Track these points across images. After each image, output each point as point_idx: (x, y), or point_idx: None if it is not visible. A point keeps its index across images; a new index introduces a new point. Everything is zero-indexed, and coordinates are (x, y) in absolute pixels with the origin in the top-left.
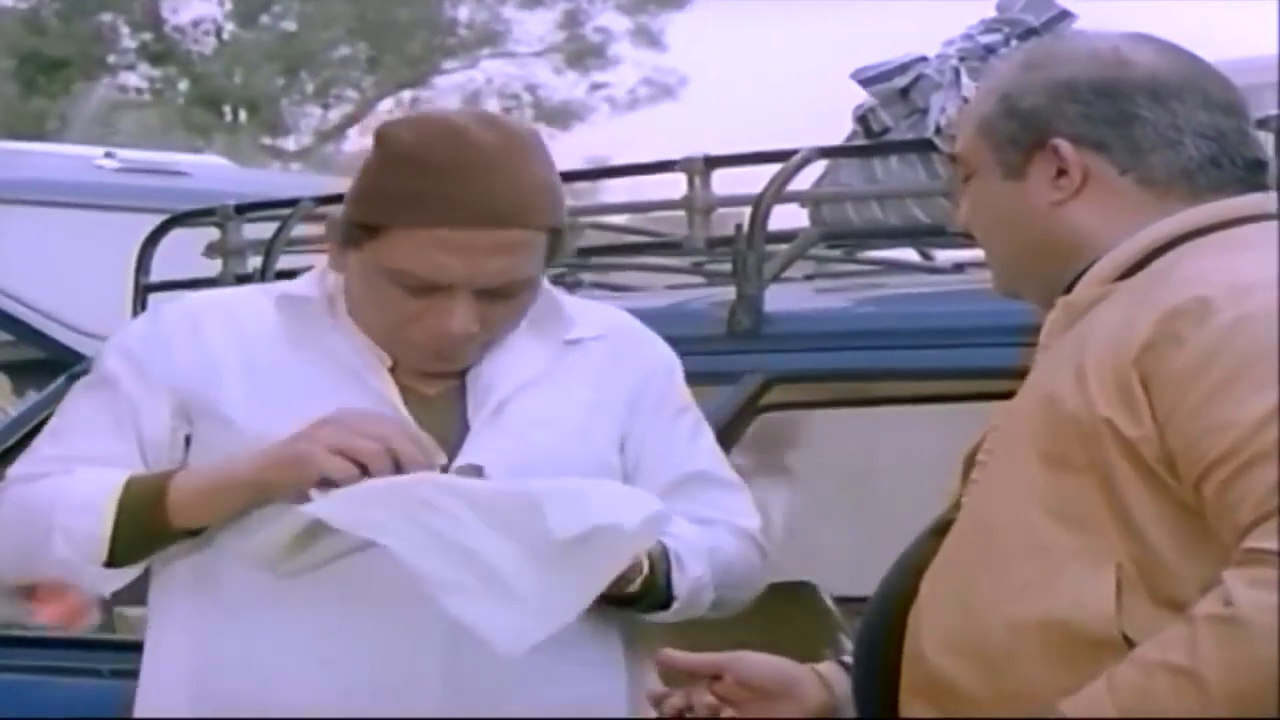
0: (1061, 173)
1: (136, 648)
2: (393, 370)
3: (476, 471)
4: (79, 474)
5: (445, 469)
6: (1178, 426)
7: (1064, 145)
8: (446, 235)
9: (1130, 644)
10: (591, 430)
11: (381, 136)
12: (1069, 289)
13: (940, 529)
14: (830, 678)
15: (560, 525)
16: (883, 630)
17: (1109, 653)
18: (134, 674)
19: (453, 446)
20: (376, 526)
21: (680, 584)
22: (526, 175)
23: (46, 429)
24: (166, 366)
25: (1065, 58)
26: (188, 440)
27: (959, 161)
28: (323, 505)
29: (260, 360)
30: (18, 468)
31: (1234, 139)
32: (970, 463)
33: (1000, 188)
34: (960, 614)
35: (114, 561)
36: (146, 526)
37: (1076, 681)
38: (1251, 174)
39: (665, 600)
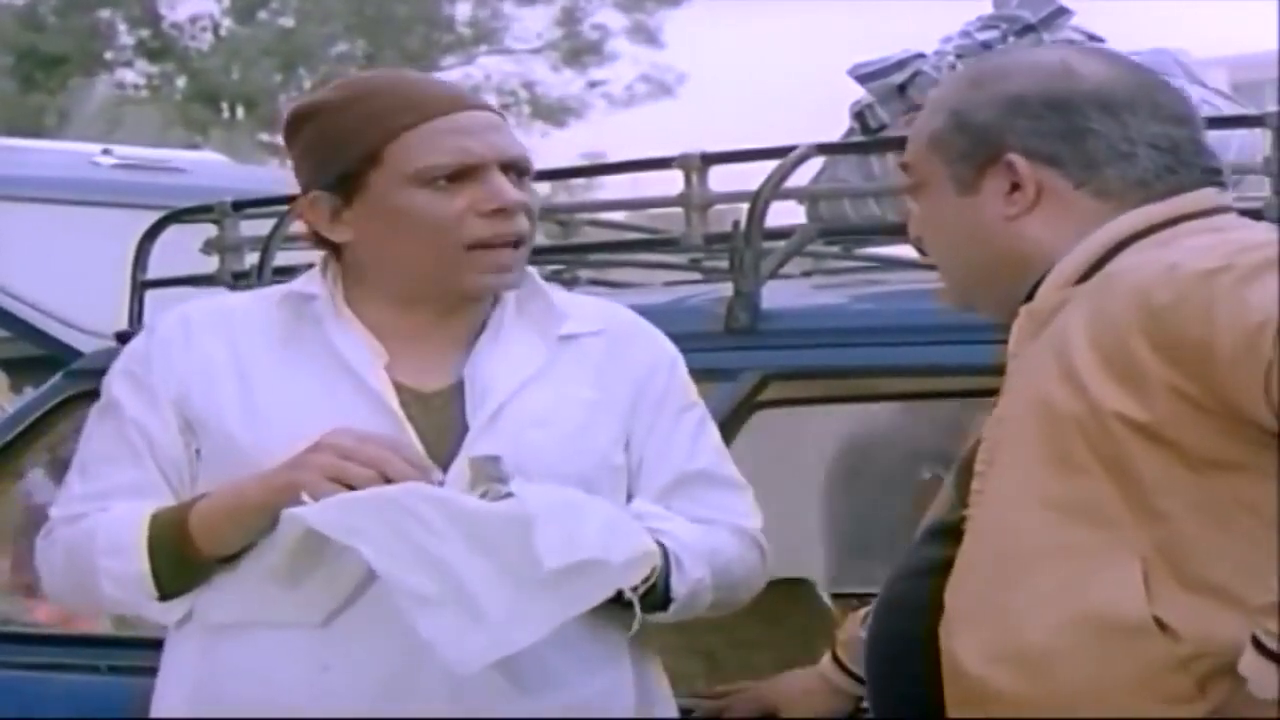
0: (1015, 187)
1: (134, 644)
2: (389, 368)
3: (494, 460)
4: (112, 512)
5: (442, 483)
6: (1223, 369)
7: (1018, 160)
8: (447, 122)
9: (1163, 627)
10: (592, 429)
11: (321, 102)
12: (1028, 297)
13: (935, 532)
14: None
15: (549, 552)
16: (898, 638)
17: (1145, 639)
18: (132, 670)
19: (452, 446)
20: (357, 533)
21: (679, 586)
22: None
23: (74, 463)
24: (166, 378)
25: (1012, 72)
26: (198, 454)
27: (909, 170)
28: (310, 510)
29: (254, 367)
30: (58, 509)
31: (1188, 149)
32: (967, 474)
33: (953, 203)
34: (994, 623)
35: (166, 594)
36: (180, 559)
37: (1118, 674)
38: (1209, 179)
39: (663, 601)
